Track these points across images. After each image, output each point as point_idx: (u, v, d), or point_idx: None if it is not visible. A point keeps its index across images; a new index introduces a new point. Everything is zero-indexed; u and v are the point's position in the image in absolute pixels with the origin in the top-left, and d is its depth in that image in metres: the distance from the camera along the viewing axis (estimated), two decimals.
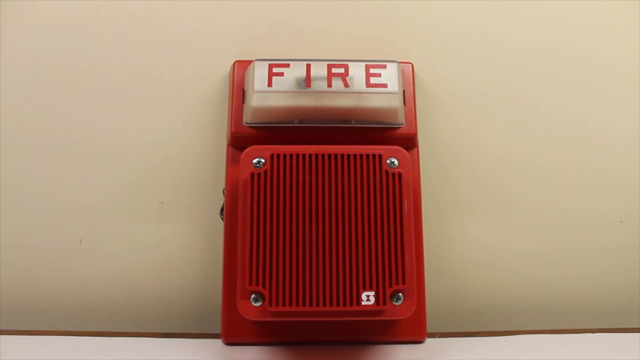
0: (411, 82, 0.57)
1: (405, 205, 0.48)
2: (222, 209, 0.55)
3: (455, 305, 0.59)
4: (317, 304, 0.46)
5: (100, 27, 0.59)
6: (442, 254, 0.59)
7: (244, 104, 0.54)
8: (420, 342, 0.53)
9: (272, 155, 0.48)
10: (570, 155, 0.60)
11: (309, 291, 0.46)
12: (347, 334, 0.52)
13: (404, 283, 0.46)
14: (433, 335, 0.55)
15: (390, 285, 0.46)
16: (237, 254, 0.48)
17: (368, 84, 0.53)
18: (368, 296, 0.46)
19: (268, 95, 0.52)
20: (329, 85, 0.53)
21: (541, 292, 0.60)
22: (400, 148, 0.50)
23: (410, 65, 0.58)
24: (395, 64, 0.54)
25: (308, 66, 0.53)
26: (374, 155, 0.49)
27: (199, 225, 0.58)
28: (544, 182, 0.60)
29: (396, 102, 0.53)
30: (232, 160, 0.54)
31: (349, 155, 0.49)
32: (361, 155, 0.49)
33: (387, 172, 0.48)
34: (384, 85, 0.53)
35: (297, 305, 0.46)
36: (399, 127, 0.54)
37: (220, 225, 0.56)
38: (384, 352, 0.51)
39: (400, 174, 0.48)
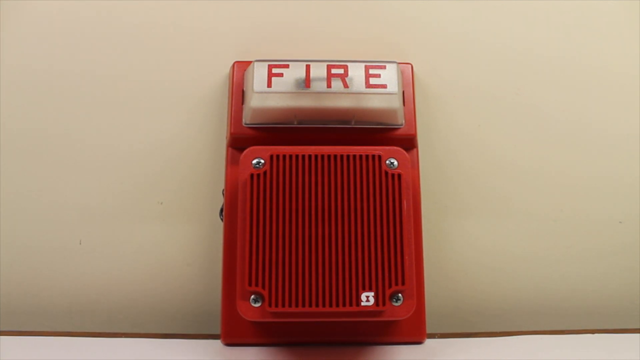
0: (411, 83, 0.57)
1: (405, 206, 0.48)
2: (221, 210, 0.55)
3: (454, 305, 0.59)
4: (317, 305, 0.46)
5: (99, 28, 0.59)
6: (442, 254, 0.59)
7: (244, 105, 0.54)
8: (419, 342, 0.53)
9: (271, 156, 0.48)
10: (569, 157, 0.60)
11: (308, 292, 0.46)
12: (347, 335, 0.52)
13: (403, 284, 0.46)
14: (432, 335, 0.55)
15: (390, 286, 0.46)
16: (236, 254, 0.48)
17: (367, 85, 0.53)
18: (367, 297, 0.46)
19: (267, 96, 0.52)
20: (329, 86, 0.53)
21: (541, 292, 0.60)
22: (399, 149, 0.50)
23: (409, 66, 0.58)
24: (394, 65, 0.54)
25: (307, 67, 0.53)
26: (373, 156, 0.49)
27: (199, 226, 0.58)
28: (544, 183, 0.60)
29: (396, 103, 0.53)
30: (232, 161, 0.54)
31: (348, 156, 0.49)
32: (360, 156, 0.49)
33: (386, 173, 0.48)
34: (384, 86, 0.53)
35: (297, 306, 0.46)
36: (399, 128, 0.54)
37: (219, 226, 0.56)
38: (383, 353, 0.51)
39: (399, 175, 0.48)
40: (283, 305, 0.45)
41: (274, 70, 0.53)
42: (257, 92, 0.52)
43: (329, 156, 0.48)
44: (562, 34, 0.61)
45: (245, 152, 0.49)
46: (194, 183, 0.59)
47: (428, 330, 0.53)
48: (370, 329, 0.52)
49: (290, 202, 0.47)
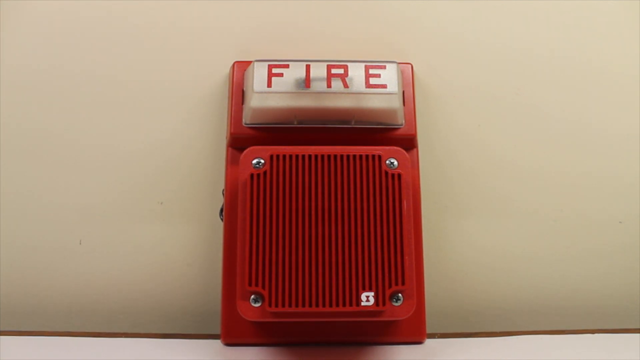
0: (411, 83, 0.57)
1: (405, 206, 0.48)
2: (221, 210, 0.55)
3: (454, 305, 0.59)
4: (317, 305, 0.46)
5: (99, 28, 0.59)
6: (442, 254, 0.59)
7: (244, 105, 0.54)
8: (419, 342, 0.53)
9: (271, 156, 0.48)
10: (569, 156, 0.60)
11: (308, 292, 0.46)
12: (347, 335, 0.52)
13: (403, 284, 0.46)
14: (432, 335, 0.55)
15: (390, 286, 0.46)
16: (236, 254, 0.48)
17: (367, 85, 0.53)
18: (367, 297, 0.46)
19: (267, 96, 0.52)
20: (329, 85, 0.53)
21: (541, 292, 0.60)
22: (399, 149, 0.50)
23: (409, 66, 0.58)
24: (394, 65, 0.54)
25: (307, 67, 0.53)
26: (373, 156, 0.49)
27: (199, 226, 0.58)
28: (544, 183, 0.60)
29: (396, 103, 0.53)
30: (232, 161, 0.54)
31: (348, 156, 0.49)
32: (360, 156, 0.49)
33: (386, 173, 0.48)
34: (384, 86, 0.53)
35: (297, 306, 0.46)
36: (399, 128, 0.54)
37: (219, 226, 0.56)
38: (383, 353, 0.51)
39: (399, 175, 0.48)
40: (283, 305, 0.45)
41: (274, 70, 0.53)
42: (257, 92, 0.52)
43: (329, 156, 0.48)
44: (562, 34, 0.61)
45: (245, 152, 0.49)
46: (194, 183, 0.59)
47: (428, 330, 0.53)
48: (370, 329, 0.52)
49: (290, 202, 0.47)
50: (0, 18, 0.59)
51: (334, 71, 0.53)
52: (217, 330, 0.53)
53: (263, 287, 0.46)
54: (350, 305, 0.46)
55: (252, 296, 0.46)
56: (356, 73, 0.53)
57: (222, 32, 0.60)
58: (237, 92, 0.55)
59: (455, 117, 0.60)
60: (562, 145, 0.60)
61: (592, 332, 0.56)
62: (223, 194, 0.54)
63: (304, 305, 0.46)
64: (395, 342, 0.52)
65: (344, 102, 0.52)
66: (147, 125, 0.59)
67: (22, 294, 0.58)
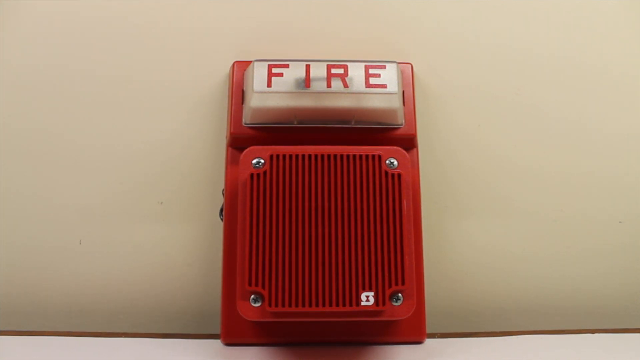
0: (410, 83, 0.57)
1: (405, 205, 0.48)
2: (221, 210, 0.55)
3: (454, 305, 0.59)
4: (317, 305, 0.46)
5: (100, 28, 0.59)
6: (442, 254, 0.59)
7: (244, 105, 0.54)
8: (419, 342, 0.53)
9: (271, 156, 0.48)
10: (569, 156, 0.60)
11: (308, 292, 0.46)
12: (347, 335, 0.52)
13: (403, 284, 0.46)
14: (432, 335, 0.55)
15: (390, 286, 0.46)
16: (236, 254, 0.48)
17: (367, 85, 0.53)
18: (367, 297, 0.46)
19: (267, 96, 0.52)
20: (329, 85, 0.53)
21: (540, 292, 0.60)
22: (399, 149, 0.50)
23: (409, 65, 0.58)
24: (394, 65, 0.54)
25: (307, 67, 0.53)
26: (373, 156, 0.49)
27: (199, 226, 0.58)
28: (544, 183, 0.60)
29: (395, 103, 0.53)
30: (232, 161, 0.54)
31: (348, 156, 0.49)
32: (360, 156, 0.49)
33: (386, 173, 0.48)
34: (384, 86, 0.53)
35: (297, 305, 0.46)
36: (399, 128, 0.54)
37: (219, 226, 0.56)
38: (383, 353, 0.51)
39: (399, 175, 0.48)
40: (283, 305, 0.45)
41: (274, 70, 0.53)
42: (257, 92, 0.52)
43: (329, 156, 0.49)
44: (562, 34, 0.61)
45: (245, 152, 0.49)
46: (194, 183, 0.59)
47: (428, 330, 0.53)
48: (370, 329, 0.52)
49: (290, 202, 0.47)
50: (0, 18, 0.59)
51: (333, 71, 0.53)
52: (217, 330, 0.53)
53: (263, 287, 0.46)
54: (350, 305, 0.46)
55: (252, 296, 0.46)
56: (356, 73, 0.53)
57: (222, 32, 0.60)
58: (237, 92, 0.55)
59: (455, 117, 0.60)
60: (562, 145, 0.60)
61: (592, 332, 0.56)
62: (223, 194, 0.54)
63: (304, 305, 0.46)
64: (395, 342, 0.52)
65: (344, 102, 0.52)
66: (147, 125, 0.59)
67: (22, 294, 0.58)
